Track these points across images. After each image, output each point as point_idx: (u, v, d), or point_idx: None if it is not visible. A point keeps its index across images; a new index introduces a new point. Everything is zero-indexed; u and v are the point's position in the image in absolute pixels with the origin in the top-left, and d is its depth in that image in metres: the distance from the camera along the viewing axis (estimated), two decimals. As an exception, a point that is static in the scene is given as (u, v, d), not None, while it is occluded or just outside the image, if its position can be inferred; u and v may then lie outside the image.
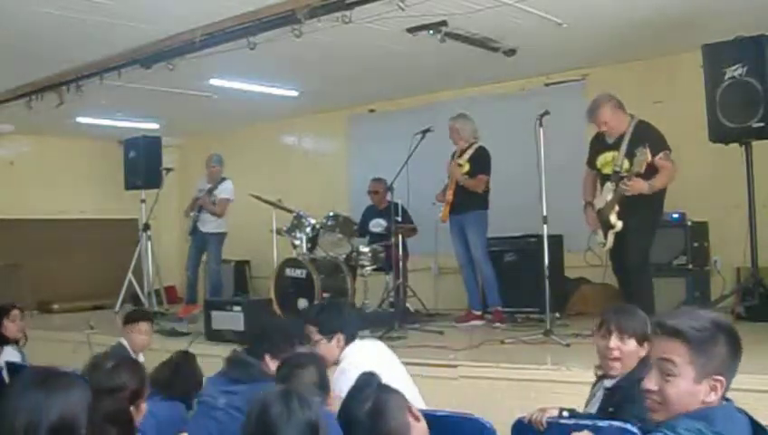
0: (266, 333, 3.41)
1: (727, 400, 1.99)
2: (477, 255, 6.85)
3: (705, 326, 1.95)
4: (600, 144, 5.60)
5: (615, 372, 2.95)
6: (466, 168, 6.84)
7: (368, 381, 2.50)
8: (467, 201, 6.81)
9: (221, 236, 8.60)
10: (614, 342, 2.93)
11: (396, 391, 2.47)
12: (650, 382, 2.00)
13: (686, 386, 1.93)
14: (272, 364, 3.18)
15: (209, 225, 8.53)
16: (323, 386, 2.90)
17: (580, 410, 3.03)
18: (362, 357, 3.51)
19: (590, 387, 3.24)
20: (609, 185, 5.40)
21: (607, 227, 5.40)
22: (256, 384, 3.02)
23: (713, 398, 1.94)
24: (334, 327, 3.64)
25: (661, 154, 5.21)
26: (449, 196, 6.86)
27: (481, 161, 6.84)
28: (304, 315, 4.43)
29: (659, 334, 2.00)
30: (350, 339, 3.65)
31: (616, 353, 2.93)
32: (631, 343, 2.92)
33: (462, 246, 6.95)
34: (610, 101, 5.43)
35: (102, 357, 3.19)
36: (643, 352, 2.93)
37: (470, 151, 6.89)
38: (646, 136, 5.23)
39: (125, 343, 4.82)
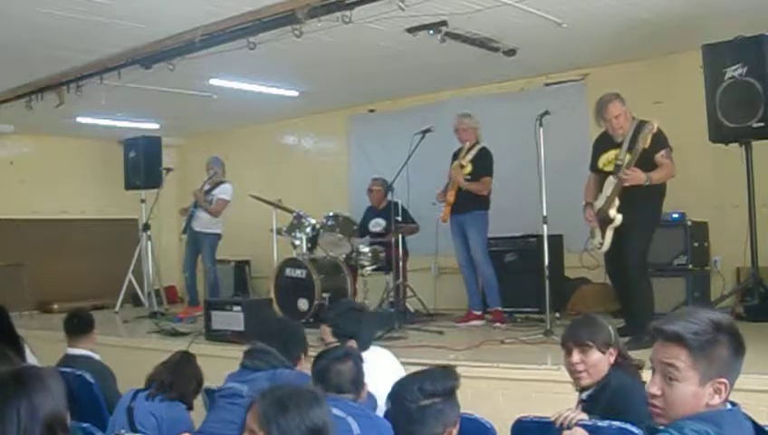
0: (279, 336, 3.45)
1: (734, 404, 1.95)
2: (477, 255, 6.84)
3: (705, 329, 1.89)
4: (605, 143, 5.52)
5: (585, 383, 2.96)
6: (469, 168, 6.82)
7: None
8: (468, 201, 6.80)
9: (214, 237, 8.56)
10: (576, 356, 2.95)
11: None
12: (653, 386, 1.95)
13: (691, 390, 1.89)
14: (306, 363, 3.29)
15: (201, 223, 8.49)
16: (359, 382, 2.93)
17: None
18: (376, 367, 3.45)
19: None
20: (610, 179, 5.33)
21: (606, 222, 5.35)
22: (275, 370, 3.23)
23: (717, 400, 1.90)
24: (349, 332, 3.64)
25: (663, 151, 5.20)
26: (450, 197, 6.85)
27: (484, 163, 6.83)
28: (324, 315, 4.43)
29: (659, 339, 1.96)
30: (363, 347, 3.58)
31: (580, 367, 2.95)
32: (594, 354, 2.93)
33: (462, 247, 6.94)
34: (618, 96, 5.41)
35: None
36: (612, 358, 2.96)
37: (473, 152, 6.87)
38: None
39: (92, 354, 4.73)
